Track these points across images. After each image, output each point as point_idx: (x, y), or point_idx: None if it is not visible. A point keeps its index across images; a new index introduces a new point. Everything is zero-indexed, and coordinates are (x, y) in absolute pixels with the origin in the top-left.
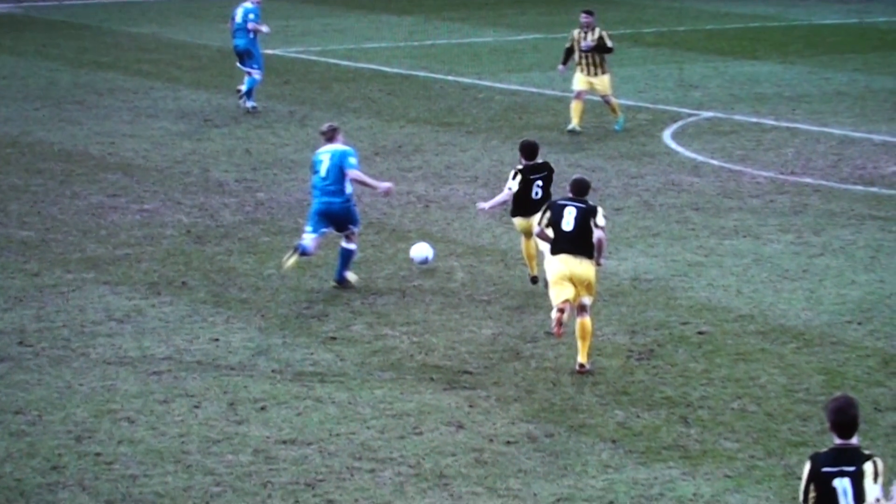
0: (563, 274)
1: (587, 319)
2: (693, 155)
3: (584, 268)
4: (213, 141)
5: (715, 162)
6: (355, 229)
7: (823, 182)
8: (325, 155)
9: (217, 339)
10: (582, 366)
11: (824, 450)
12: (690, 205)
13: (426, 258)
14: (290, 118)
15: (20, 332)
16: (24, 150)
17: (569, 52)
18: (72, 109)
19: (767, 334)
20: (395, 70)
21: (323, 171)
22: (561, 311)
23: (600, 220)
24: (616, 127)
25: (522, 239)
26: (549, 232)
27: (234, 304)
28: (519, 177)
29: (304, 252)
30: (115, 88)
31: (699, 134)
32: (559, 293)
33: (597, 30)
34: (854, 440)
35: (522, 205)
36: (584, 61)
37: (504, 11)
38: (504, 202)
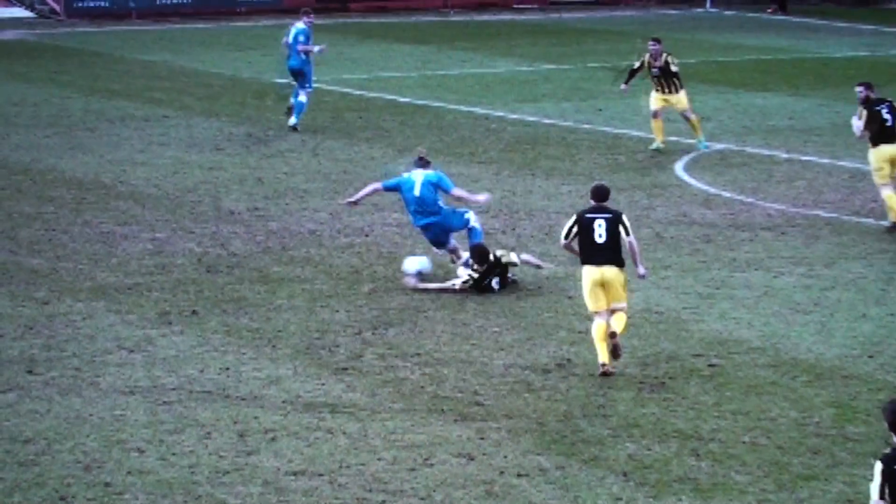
0: (595, 280)
1: (622, 313)
2: (705, 187)
3: (614, 273)
4: (224, 170)
5: (726, 194)
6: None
7: (835, 215)
8: (418, 177)
9: (227, 369)
10: (614, 334)
11: (888, 450)
12: (702, 237)
13: (419, 271)
14: (302, 147)
15: (30, 361)
16: (35, 178)
17: (632, 73)
18: (83, 137)
19: (779, 367)
20: (408, 100)
21: (417, 190)
22: (605, 366)
23: (627, 225)
24: (701, 147)
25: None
26: (576, 245)
27: (245, 334)
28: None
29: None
30: (127, 116)
31: (711, 166)
32: (594, 300)
33: (664, 55)
34: None
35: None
36: (659, 84)
37: (516, 42)
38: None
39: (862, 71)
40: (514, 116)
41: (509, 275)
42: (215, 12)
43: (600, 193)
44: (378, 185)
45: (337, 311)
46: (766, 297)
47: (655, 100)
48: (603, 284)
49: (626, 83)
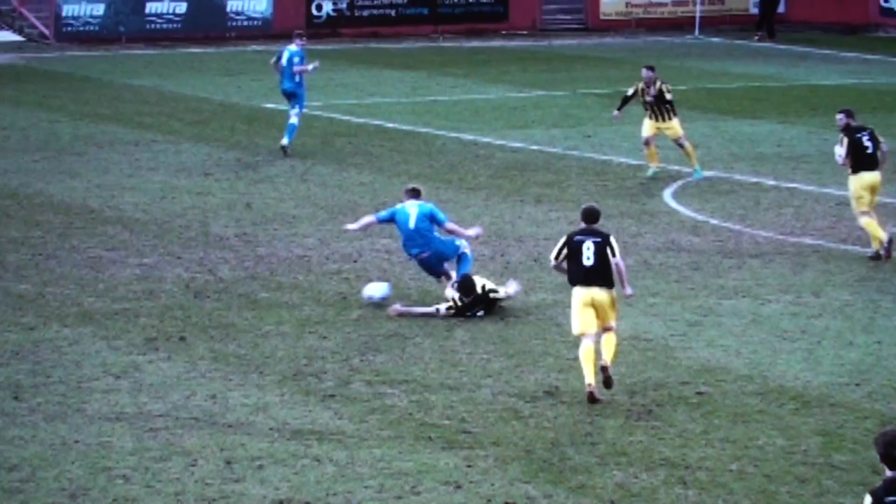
0: (585, 301)
1: (613, 335)
2: (693, 214)
3: (604, 295)
4: (213, 195)
5: (714, 221)
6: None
7: (822, 243)
8: (412, 208)
9: (214, 396)
10: (605, 367)
11: (879, 483)
12: (690, 264)
13: (383, 296)
14: (291, 173)
15: (15, 387)
16: (22, 202)
17: (626, 100)
18: (72, 161)
19: (766, 395)
20: (397, 125)
21: (412, 223)
22: (591, 396)
23: (615, 246)
24: (696, 175)
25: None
26: (565, 265)
27: (233, 361)
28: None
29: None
30: (116, 141)
31: (699, 193)
32: (583, 321)
33: (658, 83)
34: None
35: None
36: (651, 109)
37: (506, 69)
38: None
39: (849, 99)
40: (504, 143)
41: (498, 302)
42: (205, 37)
43: (591, 215)
44: (372, 217)
45: (325, 338)
46: (753, 325)
47: (648, 127)
48: (593, 306)
49: (618, 110)
